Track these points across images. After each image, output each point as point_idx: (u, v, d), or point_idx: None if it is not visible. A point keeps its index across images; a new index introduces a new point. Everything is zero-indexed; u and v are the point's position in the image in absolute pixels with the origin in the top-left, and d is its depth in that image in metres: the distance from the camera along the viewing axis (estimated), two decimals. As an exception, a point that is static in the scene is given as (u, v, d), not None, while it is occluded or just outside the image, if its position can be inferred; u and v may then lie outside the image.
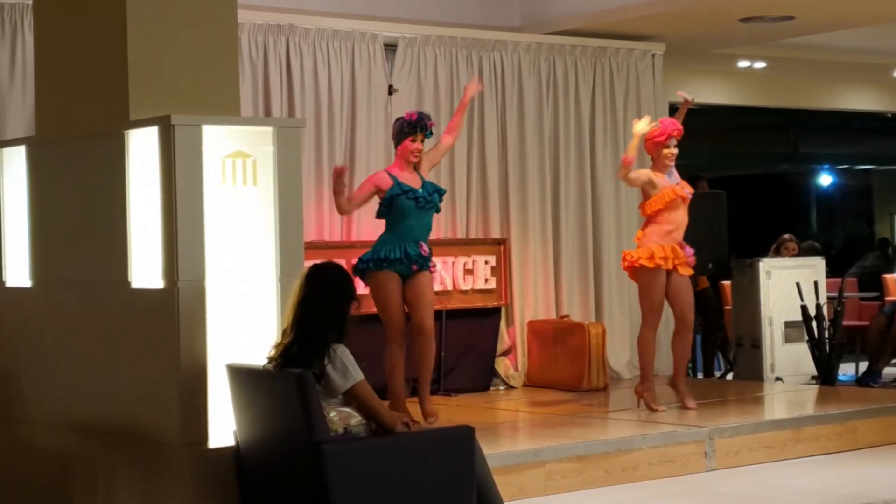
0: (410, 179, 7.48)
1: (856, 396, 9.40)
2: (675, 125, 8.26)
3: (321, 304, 4.33)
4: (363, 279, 7.46)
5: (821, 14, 9.71)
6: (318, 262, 4.55)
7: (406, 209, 7.41)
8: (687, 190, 8.25)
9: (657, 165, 8.22)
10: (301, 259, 4.69)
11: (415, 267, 7.39)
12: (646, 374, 8.29)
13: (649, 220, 8.16)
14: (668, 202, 8.11)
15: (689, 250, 8.29)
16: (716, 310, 10.56)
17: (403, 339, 7.46)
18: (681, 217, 8.16)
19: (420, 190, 7.47)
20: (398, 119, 7.63)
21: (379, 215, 7.57)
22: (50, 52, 5.27)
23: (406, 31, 9.42)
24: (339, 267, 4.61)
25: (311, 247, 8.93)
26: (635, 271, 8.15)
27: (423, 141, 7.51)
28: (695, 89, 11.90)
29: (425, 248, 7.46)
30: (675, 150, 8.20)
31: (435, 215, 9.48)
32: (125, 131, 4.69)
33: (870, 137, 14.61)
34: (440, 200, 7.62)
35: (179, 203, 4.45)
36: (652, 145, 8.22)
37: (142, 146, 4.65)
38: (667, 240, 8.10)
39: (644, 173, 8.21)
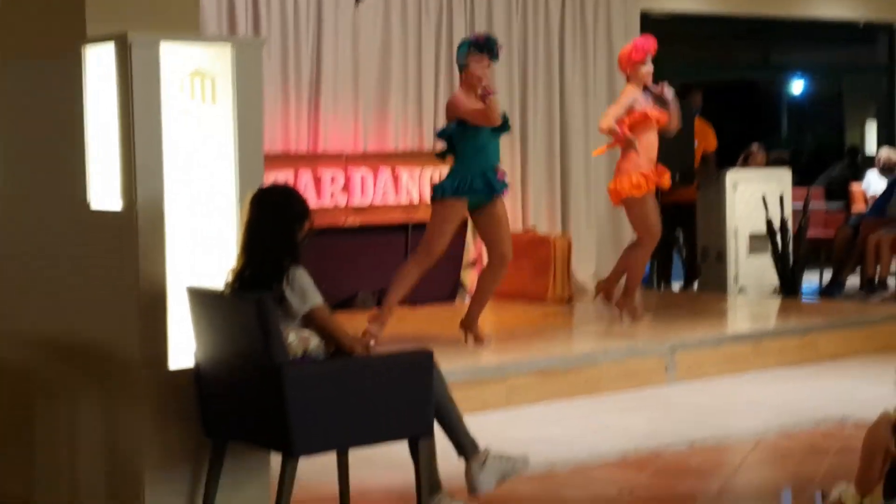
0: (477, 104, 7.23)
1: (817, 309, 9.52)
2: (651, 42, 8.23)
3: (266, 227, 4.32)
4: (434, 202, 7.34)
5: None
6: (265, 186, 4.54)
7: (481, 133, 7.21)
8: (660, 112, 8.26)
9: (633, 82, 8.22)
10: (261, 179, 4.67)
11: (494, 193, 7.27)
12: (632, 289, 8.41)
13: (627, 142, 8.14)
14: (642, 124, 8.13)
15: (660, 168, 8.36)
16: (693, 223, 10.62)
17: (427, 267, 7.39)
18: (654, 138, 8.23)
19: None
20: (463, 41, 7.39)
21: (443, 135, 7.35)
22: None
23: (374, -61, 9.29)
24: (285, 188, 4.59)
25: (278, 158, 8.93)
26: (625, 201, 8.21)
27: (489, 66, 7.25)
28: (666, -1, 11.86)
29: (502, 170, 7.35)
30: (652, 68, 8.20)
31: (401, 128, 9.48)
32: (82, 48, 4.62)
33: (841, 46, 14.58)
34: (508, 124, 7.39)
35: (137, 123, 4.40)
36: (629, 63, 8.22)
37: (99, 64, 4.59)
38: (646, 163, 8.17)
39: (625, 102, 8.19)
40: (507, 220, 7.51)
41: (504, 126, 7.29)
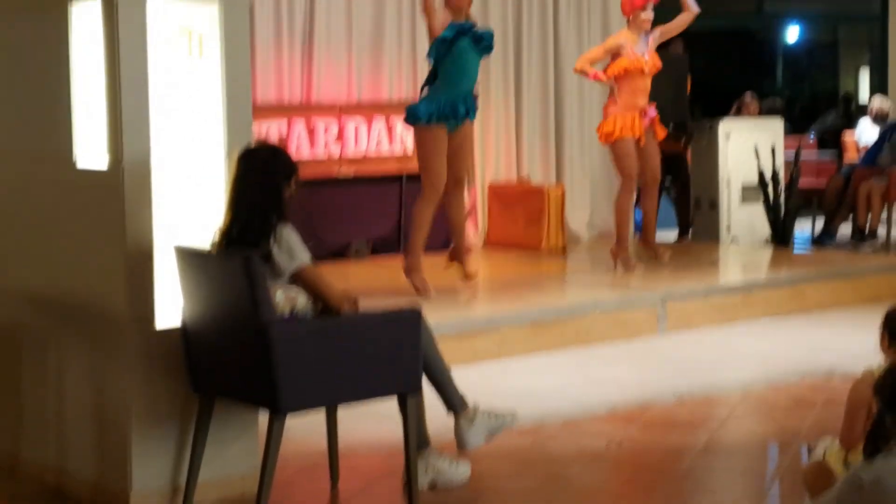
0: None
1: (808, 260, 9.55)
2: None
3: (253, 184, 4.32)
4: (416, 128, 7.29)
5: None
6: (252, 143, 4.54)
7: (463, 53, 7.21)
8: (649, 61, 8.29)
9: (632, 27, 8.29)
10: (249, 136, 4.67)
11: (466, 117, 7.30)
12: (623, 236, 8.49)
13: (609, 87, 8.32)
14: (624, 70, 8.21)
15: (652, 113, 8.42)
16: (686, 175, 10.62)
17: (438, 199, 7.37)
18: (641, 85, 8.28)
19: (476, 29, 7.28)
20: None
21: (432, 52, 7.30)
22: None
23: None
24: (271, 147, 4.59)
25: (271, 108, 8.91)
26: (608, 144, 8.39)
27: None
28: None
29: (476, 92, 7.36)
30: (652, 15, 8.27)
31: (395, 77, 9.43)
32: (68, 5, 4.61)
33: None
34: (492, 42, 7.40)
35: (124, 81, 4.39)
36: (629, 7, 8.30)
37: (85, 20, 4.57)
38: (629, 108, 8.23)
39: (609, 46, 8.26)
40: (469, 144, 7.53)
41: (484, 46, 7.28)
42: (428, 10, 7.27)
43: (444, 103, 7.19)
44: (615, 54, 8.29)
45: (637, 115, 8.28)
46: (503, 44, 9.86)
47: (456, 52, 7.20)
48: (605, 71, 8.34)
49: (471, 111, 7.32)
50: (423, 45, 9.55)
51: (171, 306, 4.48)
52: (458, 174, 7.45)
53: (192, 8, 4.65)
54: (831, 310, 8.21)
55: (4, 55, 4.97)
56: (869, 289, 8.51)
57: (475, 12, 9.71)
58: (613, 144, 8.34)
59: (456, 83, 7.22)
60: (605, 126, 8.32)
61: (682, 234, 10.60)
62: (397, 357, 4.39)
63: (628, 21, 8.37)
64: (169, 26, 4.60)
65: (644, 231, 8.85)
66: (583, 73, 8.33)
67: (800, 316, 8.07)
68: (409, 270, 7.42)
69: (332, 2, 9.17)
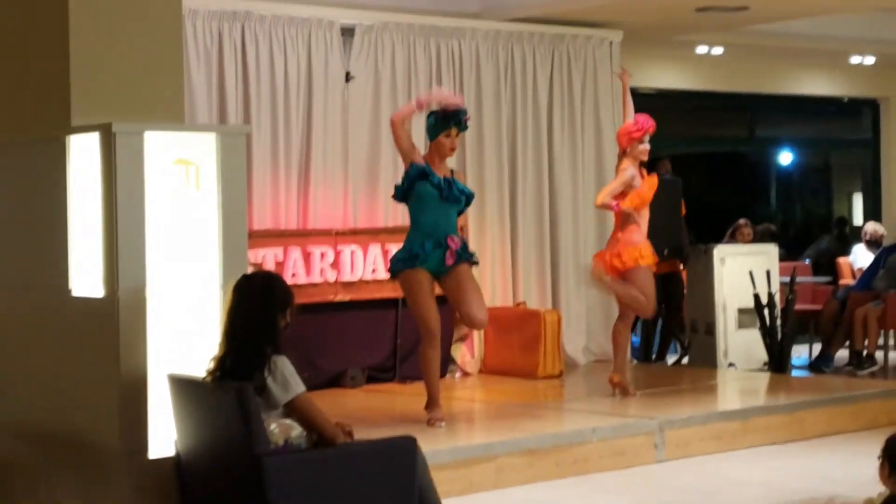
0: (439, 171, 7.23)
1: (806, 385, 9.50)
2: (651, 122, 8.38)
3: (248, 314, 4.32)
4: (396, 279, 7.31)
5: (774, 5, 9.77)
6: (248, 272, 4.55)
7: (426, 198, 7.16)
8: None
9: (630, 158, 8.36)
10: (244, 266, 4.69)
11: (450, 262, 7.18)
12: (622, 363, 8.46)
13: (626, 216, 8.25)
14: (647, 201, 8.31)
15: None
16: (680, 295, 10.63)
17: (436, 341, 7.30)
18: (646, 214, 8.40)
19: (443, 180, 7.21)
20: (432, 112, 7.36)
21: (396, 193, 7.32)
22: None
23: (363, 17, 9.38)
24: (267, 275, 4.60)
25: (268, 235, 8.95)
26: (631, 270, 8.32)
27: (457, 136, 7.28)
28: (652, 74, 12.00)
29: (455, 240, 7.21)
30: (648, 146, 8.36)
31: (390, 203, 9.44)
32: (66, 137, 4.66)
33: (826, 121, 14.72)
34: (467, 203, 7.31)
35: (120, 211, 4.43)
36: (627, 139, 8.37)
37: (83, 152, 4.62)
38: (644, 236, 8.34)
39: (626, 179, 8.30)
40: (470, 283, 7.30)
41: (453, 199, 7.21)
42: (393, 127, 7.23)
43: (409, 250, 7.21)
44: (629, 185, 8.40)
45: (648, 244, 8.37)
46: (499, 169, 9.95)
47: (416, 194, 7.19)
48: (621, 202, 8.38)
49: (462, 255, 7.22)
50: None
51: (164, 434, 4.45)
52: (467, 312, 7.27)
53: (190, 139, 4.70)
54: (830, 436, 8.14)
55: (4, 184, 5.02)
56: (868, 415, 8.45)
57: (473, 141, 9.89)
58: (637, 270, 8.27)
59: (420, 226, 7.21)
60: (633, 252, 8.26)
61: (660, 357, 10.59)
62: (392, 487, 4.35)
63: (625, 152, 8.43)
64: (166, 157, 4.65)
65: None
66: (606, 206, 8.30)
67: (799, 443, 8.00)
68: (431, 409, 7.36)
69: (329, 130, 9.27)
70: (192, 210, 4.65)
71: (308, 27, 9.13)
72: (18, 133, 4.94)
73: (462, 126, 7.33)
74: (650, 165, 8.80)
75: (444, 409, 7.58)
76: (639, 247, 8.29)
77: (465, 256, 7.30)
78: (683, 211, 10.57)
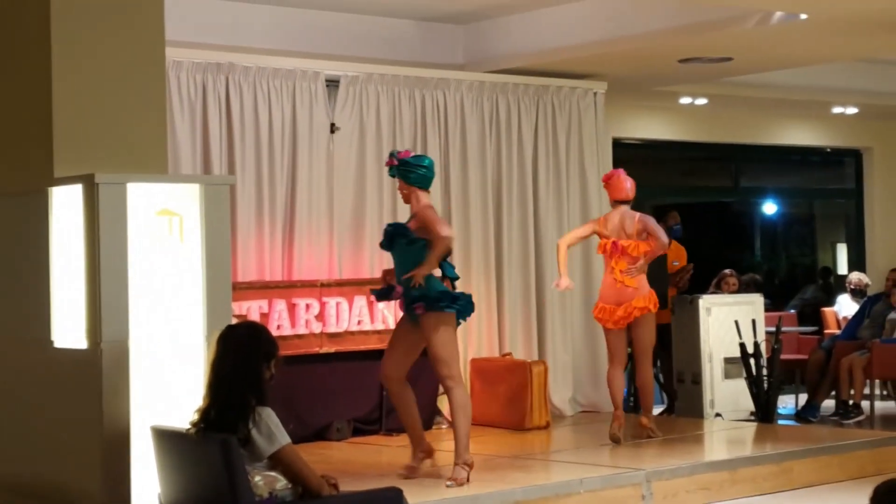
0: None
1: (792, 435, 9.47)
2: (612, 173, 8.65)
3: (231, 366, 4.29)
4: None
5: (757, 56, 9.85)
6: (233, 322, 4.52)
7: (392, 243, 7.18)
8: None
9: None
10: (229, 317, 4.66)
11: (419, 311, 7.04)
12: (620, 408, 8.60)
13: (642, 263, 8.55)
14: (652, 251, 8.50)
15: None
16: (670, 341, 10.65)
17: (396, 387, 7.28)
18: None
19: (390, 227, 7.26)
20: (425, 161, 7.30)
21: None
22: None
23: (348, 69, 9.42)
24: (252, 326, 4.57)
25: (253, 287, 8.92)
26: (644, 317, 8.55)
27: (399, 184, 7.20)
28: (637, 125, 12.07)
29: (398, 290, 7.06)
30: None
31: (376, 254, 9.44)
32: (49, 188, 4.65)
33: (810, 171, 14.81)
34: (402, 242, 7.12)
35: (103, 262, 4.41)
36: (624, 196, 8.59)
37: (66, 203, 4.61)
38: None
39: (652, 228, 8.51)
40: (429, 337, 7.05)
41: (393, 245, 7.15)
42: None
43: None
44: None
45: None
46: (484, 220, 9.96)
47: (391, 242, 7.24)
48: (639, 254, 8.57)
49: (407, 308, 7.07)
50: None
51: (147, 487, 4.41)
52: (436, 372, 7.23)
53: (173, 189, 4.69)
54: (818, 486, 8.10)
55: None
56: (855, 464, 8.42)
57: (458, 191, 9.90)
58: (653, 316, 8.57)
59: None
60: (652, 298, 8.52)
61: (669, 408, 10.56)
62: (378, 541, 4.31)
63: (619, 203, 8.68)
64: (150, 208, 4.64)
65: (618, 407, 8.78)
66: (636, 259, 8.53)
67: (787, 492, 7.96)
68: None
69: (314, 180, 9.27)
70: (175, 261, 4.63)
71: (293, 79, 9.14)
72: (1, 185, 4.93)
73: (391, 172, 7.25)
74: (658, 215, 8.87)
75: (431, 460, 7.53)
76: (653, 293, 8.54)
77: (408, 307, 7.08)
78: (685, 260, 10.64)
